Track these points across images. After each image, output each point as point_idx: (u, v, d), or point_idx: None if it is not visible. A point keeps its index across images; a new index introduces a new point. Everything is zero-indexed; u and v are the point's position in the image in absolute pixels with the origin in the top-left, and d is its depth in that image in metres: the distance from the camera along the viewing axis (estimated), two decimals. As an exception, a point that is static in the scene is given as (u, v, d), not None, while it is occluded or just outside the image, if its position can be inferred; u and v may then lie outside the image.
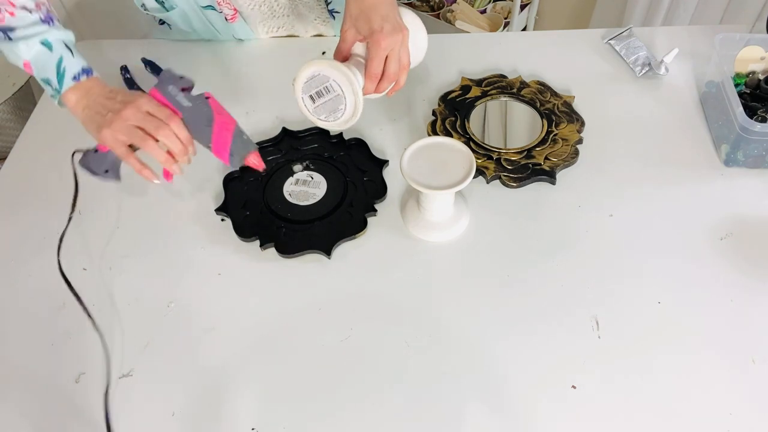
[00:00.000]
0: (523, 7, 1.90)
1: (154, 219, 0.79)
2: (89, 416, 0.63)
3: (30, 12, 0.68)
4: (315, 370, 0.65)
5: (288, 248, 0.73)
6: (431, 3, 1.93)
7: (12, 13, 0.67)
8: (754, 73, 0.84)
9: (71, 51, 0.70)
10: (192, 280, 0.73)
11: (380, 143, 0.85)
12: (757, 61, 0.84)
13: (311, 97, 0.69)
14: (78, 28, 1.65)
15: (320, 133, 0.86)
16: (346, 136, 0.84)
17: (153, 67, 0.95)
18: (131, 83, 0.93)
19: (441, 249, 0.75)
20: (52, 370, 0.66)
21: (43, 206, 0.81)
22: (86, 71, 0.69)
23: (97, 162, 0.67)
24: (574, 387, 0.63)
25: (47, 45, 0.68)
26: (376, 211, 0.77)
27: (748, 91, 0.83)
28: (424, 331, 0.67)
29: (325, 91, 0.68)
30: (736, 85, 0.82)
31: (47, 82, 0.69)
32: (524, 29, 1.99)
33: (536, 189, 0.79)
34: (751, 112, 0.80)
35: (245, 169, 0.81)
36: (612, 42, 0.97)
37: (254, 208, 0.78)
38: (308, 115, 0.71)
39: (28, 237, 0.78)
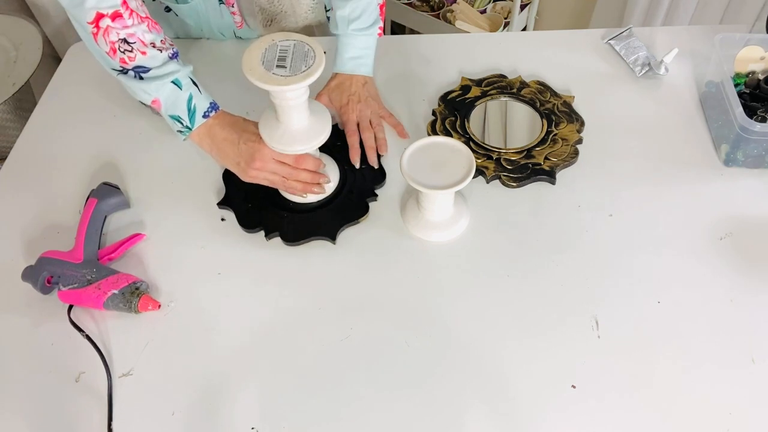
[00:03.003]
0: (523, 7, 1.90)
1: (154, 215, 0.79)
2: (89, 415, 0.63)
3: (160, 51, 0.68)
4: (315, 370, 0.65)
5: (293, 236, 0.74)
6: (431, 3, 1.93)
7: (144, 53, 0.67)
8: (754, 73, 0.84)
9: (198, 87, 0.72)
10: (192, 279, 0.73)
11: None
12: (756, 61, 0.84)
13: None
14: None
15: None
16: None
17: None
18: None
19: (441, 249, 0.75)
20: (52, 369, 0.66)
21: (43, 206, 0.81)
22: (213, 106, 0.73)
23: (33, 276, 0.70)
24: (574, 387, 0.63)
25: (177, 83, 0.69)
26: (376, 196, 0.78)
27: (748, 91, 0.83)
28: (423, 331, 0.67)
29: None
30: (736, 85, 0.82)
31: (178, 119, 0.71)
32: (524, 29, 1.99)
33: (536, 189, 0.79)
34: (750, 112, 0.80)
35: None
36: (612, 42, 0.97)
37: (255, 200, 0.78)
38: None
39: (27, 237, 0.78)
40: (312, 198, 0.76)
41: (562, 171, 0.81)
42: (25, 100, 1.38)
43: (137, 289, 0.69)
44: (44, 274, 0.69)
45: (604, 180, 0.80)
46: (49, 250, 0.72)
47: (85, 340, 0.67)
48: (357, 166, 0.81)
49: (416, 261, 0.73)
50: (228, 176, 0.80)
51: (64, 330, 0.68)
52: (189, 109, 0.70)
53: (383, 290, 0.71)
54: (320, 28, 1.05)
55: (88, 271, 0.69)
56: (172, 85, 0.69)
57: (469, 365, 0.65)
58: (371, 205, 0.78)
